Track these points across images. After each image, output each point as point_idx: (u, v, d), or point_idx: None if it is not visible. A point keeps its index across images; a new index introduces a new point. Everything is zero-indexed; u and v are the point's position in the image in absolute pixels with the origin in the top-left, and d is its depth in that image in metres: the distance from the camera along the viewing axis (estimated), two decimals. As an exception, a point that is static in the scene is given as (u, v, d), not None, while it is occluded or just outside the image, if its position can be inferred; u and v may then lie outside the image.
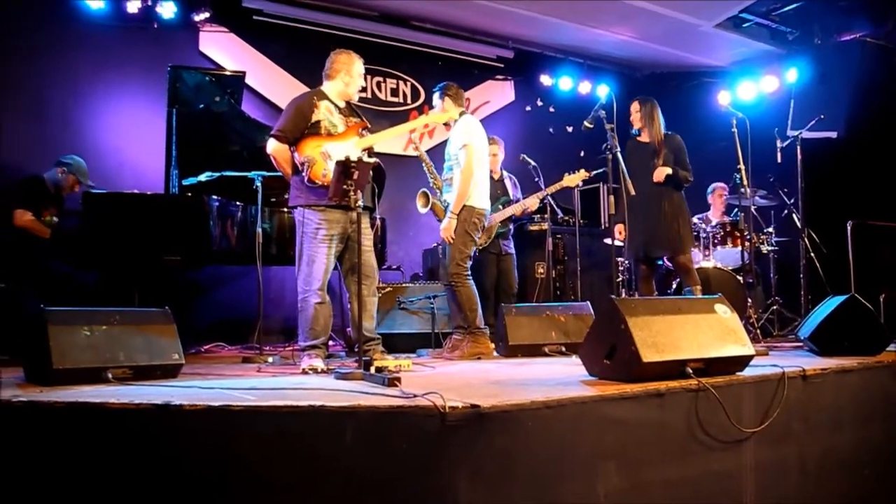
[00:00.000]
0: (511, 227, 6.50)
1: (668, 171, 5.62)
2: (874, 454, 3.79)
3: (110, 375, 3.25)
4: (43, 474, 2.54)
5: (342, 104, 4.64)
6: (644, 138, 5.83)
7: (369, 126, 4.69)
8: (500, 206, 6.33)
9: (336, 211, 4.35)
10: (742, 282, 6.44)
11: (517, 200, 6.46)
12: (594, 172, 6.43)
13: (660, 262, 6.31)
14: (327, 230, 4.37)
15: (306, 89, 7.18)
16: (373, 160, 4.54)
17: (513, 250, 6.47)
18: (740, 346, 3.37)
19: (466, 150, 5.07)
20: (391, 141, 7.30)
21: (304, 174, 4.32)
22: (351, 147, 4.40)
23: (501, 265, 6.37)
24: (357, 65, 4.66)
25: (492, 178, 6.35)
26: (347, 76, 4.62)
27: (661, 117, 5.81)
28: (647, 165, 5.67)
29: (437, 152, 5.51)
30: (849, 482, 3.65)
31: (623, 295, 6.41)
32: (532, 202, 6.41)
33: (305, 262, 4.40)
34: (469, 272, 5.15)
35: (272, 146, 4.47)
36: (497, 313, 5.31)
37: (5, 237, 5.31)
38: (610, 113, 5.22)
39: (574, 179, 6.46)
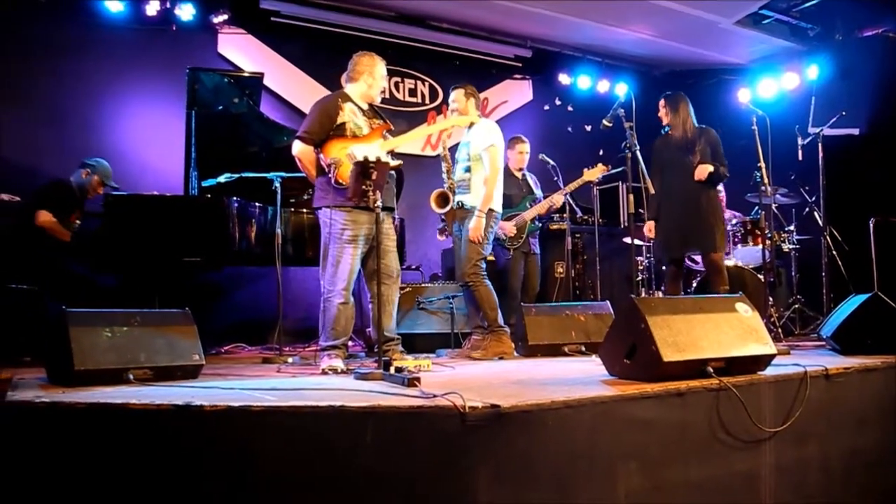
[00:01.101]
0: (538, 223, 6.50)
1: (711, 168, 5.48)
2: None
3: (131, 376, 3.27)
4: (65, 474, 2.55)
5: (365, 106, 4.65)
6: (674, 134, 5.70)
7: (392, 128, 4.70)
8: (528, 205, 6.34)
9: (362, 212, 4.34)
10: (763, 280, 6.38)
11: (542, 199, 6.47)
12: (614, 171, 6.43)
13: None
14: (353, 231, 4.37)
15: (324, 90, 7.27)
16: (396, 162, 4.54)
17: (538, 250, 6.51)
18: (762, 345, 3.34)
19: (491, 152, 5.06)
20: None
21: (331, 175, 4.32)
22: (376, 149, 4.40)
23: (528, 265, 6.39)
24: (380, 67, 4.67)
25: (515, 177, 6.37)
26: (370, 78, 4.64)
27: (692, 111, 5.68)
28: (681, 161, 5.56)
29: (450, 153, 5.49)
30: (873, 482, 3.61)
31: (643, 294, 6.38)
32: (558, 199, 6.43)
33: (331, 263, 4.40)
34: (485, 272, 5.14)
35: (298, 148, 4.47)
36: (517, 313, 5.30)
37: (26, 238, 5.34)
38: (629, 111, 5.19)
39: (594, 173, 6.45)
